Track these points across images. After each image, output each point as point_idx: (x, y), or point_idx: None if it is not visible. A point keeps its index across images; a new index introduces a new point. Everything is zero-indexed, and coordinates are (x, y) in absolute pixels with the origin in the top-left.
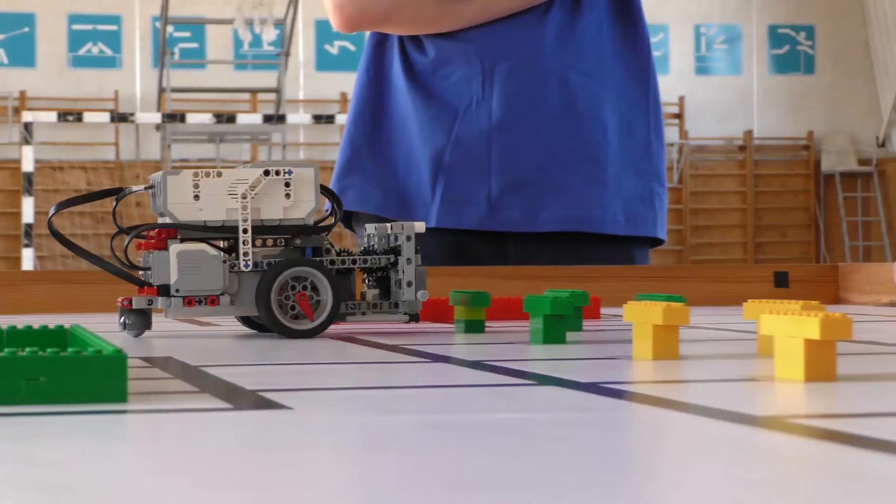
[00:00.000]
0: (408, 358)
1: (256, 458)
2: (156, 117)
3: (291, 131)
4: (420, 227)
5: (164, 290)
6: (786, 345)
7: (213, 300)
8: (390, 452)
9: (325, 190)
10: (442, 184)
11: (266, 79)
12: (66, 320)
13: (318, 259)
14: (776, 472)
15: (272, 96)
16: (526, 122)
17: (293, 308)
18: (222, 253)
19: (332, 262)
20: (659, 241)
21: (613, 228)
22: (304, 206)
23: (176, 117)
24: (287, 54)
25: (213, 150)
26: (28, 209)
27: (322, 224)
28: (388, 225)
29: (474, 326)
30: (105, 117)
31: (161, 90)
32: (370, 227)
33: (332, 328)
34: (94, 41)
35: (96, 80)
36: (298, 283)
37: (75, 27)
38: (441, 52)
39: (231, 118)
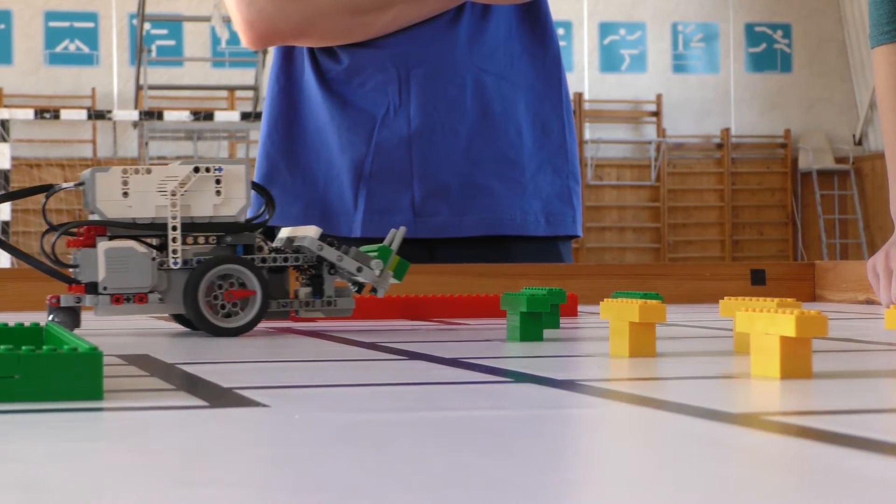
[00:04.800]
0: (385, 355)
1: (233, 456)
2: (133, 115)
3: None
4: (315, 231)
5: (93, 288)
6: (762, 342)
7: (141, 298)
8: (367, 450)
9: (258, 187)
10: (364, 193)
11: (244, 76)
12: (43, 318)
13: (247, 257)
14: (751, 468)
15: (250, 94)
16: (444, 127)
17: (223, 307)
18: (152, 250)
19: (264, 260)
20: (575, 237)
21: (535, 230)
22: (235, 203)
23: (153, 115)
24: (265, 52)
25: (190, 148)
26: (5, 207)
27: (255, 222)
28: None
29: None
30: (82, 115)
31: (138, 87)
32: (284, 231)
33: (305, 325)
34: (71, 38)
35: (73, 77)
36: (226, 280)
37: (52, 24)
38: (355, 59)
39: (209, 115)
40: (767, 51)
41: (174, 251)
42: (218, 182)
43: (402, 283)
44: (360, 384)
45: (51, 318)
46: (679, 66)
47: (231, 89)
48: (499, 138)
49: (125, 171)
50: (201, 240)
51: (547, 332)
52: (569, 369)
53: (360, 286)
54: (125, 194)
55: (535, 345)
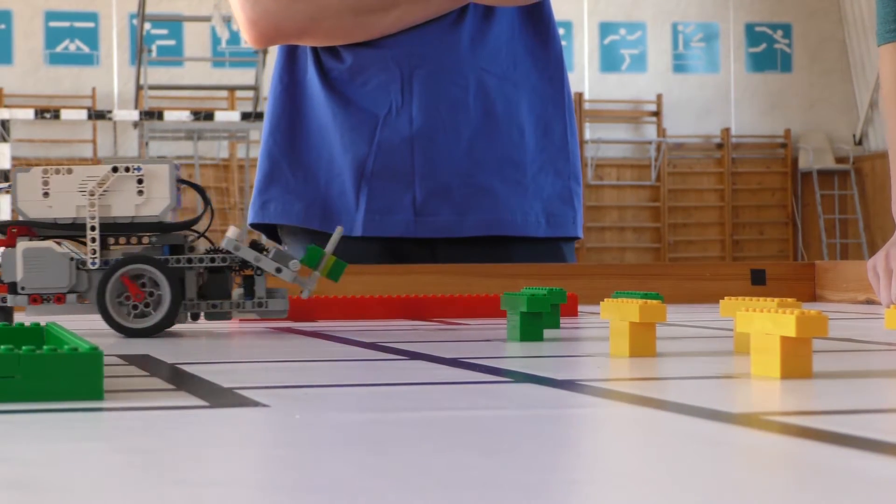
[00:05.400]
0: (385, 355)
1: (234, 456)
2: (133, 115)
3: None
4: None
5: (13, 288)
6: (762, 342)
7: (59, 298)
8: (368, 449)
9: (196, 187)
10: (366, 192)
11: (244, 76)
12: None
13: (158, 257)
14: (751, 468)
15: (250, 94)
16: (447, 127)
17: (136, 307)
18: (70, 251)
19: (190, 261)
20: (576, 238)
21: (535, 231)
22: (157, 203)
23: (154, 115)
24: (265, 52)
25: (190, 148)
26: (5, 206)
27: (190, 221)
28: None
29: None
30: (82, 115)
31: (138, 87)
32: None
33: (306, 325)
34: (72, 38)
35: (73, 77)
36: (137, 280)
37: (52, 24)
38: (358, 59)
39: (209, 115)
40: (768, 51)
41: (93, 251)
42: (140, 182)
43: (403, 283)
44: (361, 384)
45: None
46: (679, 65)
47: (231, 89)
48: (501, 139)
49: (46, 172)
50: (135, 240)
51: (547, 332)
52: (569, 369)
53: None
54: (46, 194)
55: (535, 345)
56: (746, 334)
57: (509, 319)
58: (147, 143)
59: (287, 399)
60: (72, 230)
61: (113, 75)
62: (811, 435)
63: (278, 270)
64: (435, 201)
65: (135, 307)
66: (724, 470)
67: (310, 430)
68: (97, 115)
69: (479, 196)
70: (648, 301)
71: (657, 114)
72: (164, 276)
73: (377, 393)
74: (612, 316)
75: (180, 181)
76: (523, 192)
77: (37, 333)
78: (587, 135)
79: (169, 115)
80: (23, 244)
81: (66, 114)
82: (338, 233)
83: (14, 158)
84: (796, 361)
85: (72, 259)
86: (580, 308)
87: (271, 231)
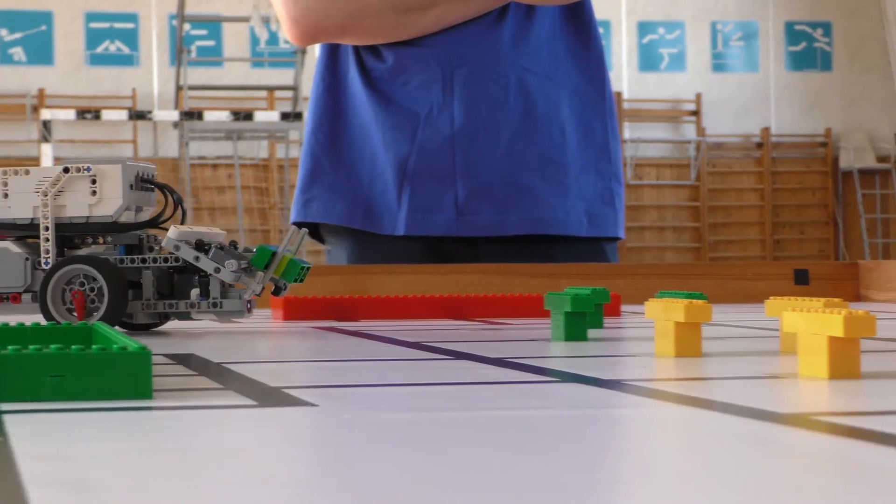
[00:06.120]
0: (430, 355)
1: (284, 455)
2: (173, 115)
3: None
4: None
5: None
6: (809, 342)
7: (15, 297)
8: (416, 449)
9: (158, 185)
10: (408, 191)
11: (283, 76)
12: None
13: (102, 257)
14: (799, 468)
15: (289, 94)
16: (487, 126)
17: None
18: (25, 251)
19: (143, 261)
20: (617, 239)
21: (578, 230)
22: (110, 203)
23: (193, 115)
24: (304, 52)
25: (230, 148)
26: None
27: (160, 221)
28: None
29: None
30: (123, 115)
31: (178, 88)
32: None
33: (349, 324)
34: (112, 39)
35: (114, 77)
36: (83, 280)
37: (92, 25)
38: (399, 58)
39: (248, 116)
40: (807, 49)
41: (46, 251)
42: (93, 182)
43: (445, 283)
44: (407, 384)
45: None
46: (718, 65)
47: (270, 89)
48: (542, 138)
49: (5, 173)
50: (101, 240)
51: (591, 332)
52: (615, 369)
53: (279, 288)
54: (5, 195)
55: (579, 344)
56: (793, 334)
57: (553, 319)
58: (187, 144)
59: (334, 398)
60: (30, 230)
61: (153, 76)
62: (859, 435)
63: (217, 270)
64: (477, 200)
65: (70, 309)
66: (772, 470)
67: (358, 429)
68: (137, 115)
69: (520, 195)
70: (694, 301)
71: (696, 113)
72: (102, 277)
73: (424, 392)
74: (658, 316)
75: (147, 182)
76: (565, 191)
77: (85, 333)
78: (626, 134)
79: (209, 116)
80: None
81: (106, 114)
82: (295, 233)
83: (56, 159)
84: (844, 362)
85: (27, 259)
86: (623, 308)
87: (314, 230)
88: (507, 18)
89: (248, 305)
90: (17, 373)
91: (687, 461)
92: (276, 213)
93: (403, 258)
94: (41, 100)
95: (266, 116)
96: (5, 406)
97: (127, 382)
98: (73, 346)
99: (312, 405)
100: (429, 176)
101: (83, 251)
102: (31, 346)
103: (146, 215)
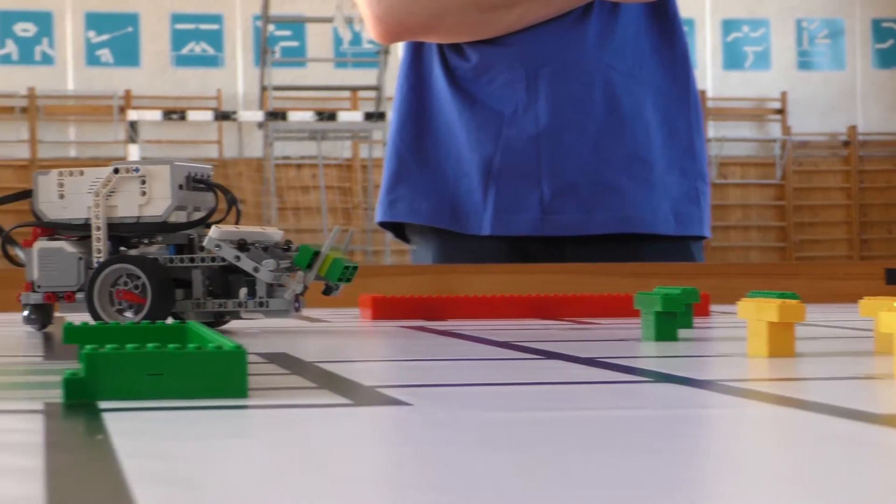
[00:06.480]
0: (520, 354)
1: (380, 454)
2: (258, 115)
3: None
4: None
5: (33, 286)
6: None
7: (69, 296)
8: (511, 448)
9: (215, 186)
10: (493, 191)
11: (366, 76)
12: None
13: (147, 256)
14: (894, 468)
15: (372, 94)
16: (573, 125)
17: (122, 306)
18: (80, 250)
19: (192, 260)
20: (703, 238)
21: (665, 228)
22: (159, 203)
23: (278, 115)
24: (387, 52)
25: (314, 148)
26: None
27: (211, 221)
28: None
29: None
30: (208, 115)
31: (263, 88)
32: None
33: (438, 324)
34: (197, 40)
35: (199, 78)
36: (127, 279)
37: (178, 27)
38: (483, 57)
39: (332, 116)
40: (895, 46)
41: (98, 251)
42: (143, 182)
43: (532, 282)
44: (500, 383)
45: (25, 313)
46: (804, 62)
47: (354, 90)
48: (627, 136)
49: (61, 174)
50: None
51: (681, 332)
52: (707, 369)
53: (330, 288)
54: (61, 196)
55: (670, 344)
56: (889, 335)
57: (643, 319)
58: (272, 144)
59: (428, 398)
60: (85, 230)
61: (237, 76)
62: None
63: (255, 269)
64: (562, 199)
65: (120, 306)
66: (868, 471)
67: (453, 429)
68: (222, 115)
69: (606, 194)
70: (787, 300)
71: (782, 111)
72: (145, 276)
73: (516, 392)
74: (750, 316)
75: (198, 181)
76: (651, 189)
77: (179, 332)
78: (710, 133)
79: (293, 116)
80: (38, 243)
81: (192, 115)
82: (335, 232)
83: (143, 159)
84: None
85: (80, 259)
86: (712, 308)
87: (399, 230)
88: (591, 16)
89: (296, 305)
90: (115, 371)
91: (780, 461)
92: (360, 213)
93: (488, 258)
94: (128, 101)
95: (349, 116)
96: (104, 404)
97: (223, 381)
98: (170, 345)
99: (407, 404)
100: (514, 175)
101: (133, 251)
102: (128, 346)
103: (201, 215)
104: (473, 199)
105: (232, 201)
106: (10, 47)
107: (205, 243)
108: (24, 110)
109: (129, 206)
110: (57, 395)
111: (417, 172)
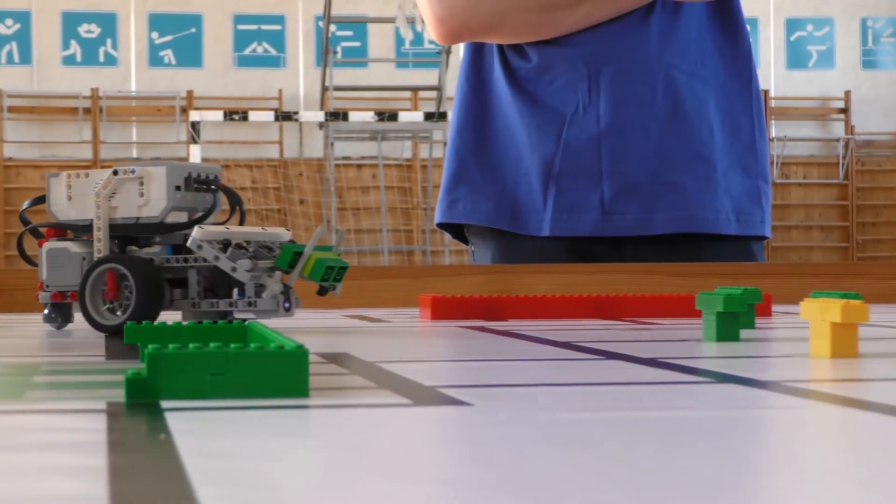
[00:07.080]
0: (581, 355)
1: (442, 454)
2: (319, 116)
3: None
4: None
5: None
6: None
7: (74, 295)
8: (573, 449)
9: (219, 187)
10: (553, 191)
11: (427, 77)
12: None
13: (136, 256)
14: None
15: (433, 94)
16: (635, 125)
17: (111, 305)
18: (83, 250)
19: (185, 260)
20: (764, 238)
21: (726, 228)
22: (156, 204)
23: (338, 115)
24: (448, 52)
25: (374, 148)
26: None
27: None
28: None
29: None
30: (269, 116)
31: (324, 89)
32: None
33: (497, 324)
34: (259, 41)
35: (261, 79)
36: (117, 279)
37: (240, 27)
38: (544, 57)
39: (392, 116)
40: None
41: (98, 251)
42: (141, 184)
43: (592, 282)
44: (561, 383)
45: (46, 312)
46: (868, 61)
47: (415, 90)
48: (690, 136)
49: (69, 176)
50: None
51: (743, 333)
52: (769, 369)
53: (324, 289)
54: (69, 197)
55: (732, 345)
56: None
57: (705, 319)
58: (332, 144)
59: (488, 398)
60: (90, 231)
61: (299, 77)
62: None
63: (233, 270)
64: (623, 199)
65: (111, 305)
66: None
67: (514, 429)
68: (284, 116)
69: (668, 193)
70: (850, 301)
71: (845, 111)
72: (131, 275)
73: (577, 392)
74: (813, 316)
75: (202, 183)
76: (713, 189)
77: (240, 332)
78: (773, 132)
79: (353, 116)
80: (47, 244)
81: (253, 115)
82: (319, 232)
83: (203, 159)
84: None
85: (83, 258)
86: (774, 308)
87: (457, 231)
88: (653, 16)
89: (286, 305)
90: (178, 371)
91: (843, 463)
92: (419, 213)
93: (547, 259)
94: (189, 101)
95: (410, 117)
96: (166, 404)
97: (284, 380)
98: (232, 345)
99: (468, 404)
100: (574, 176)
101: (140, 252)
102: (190, 345)
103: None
104: (533, 200)
105: (235, 202)
106: (74, 48)
107: (188, 243)
108: (87, 111)
109: (128, 208)
110: (119, 395)
111: (478, 173)
